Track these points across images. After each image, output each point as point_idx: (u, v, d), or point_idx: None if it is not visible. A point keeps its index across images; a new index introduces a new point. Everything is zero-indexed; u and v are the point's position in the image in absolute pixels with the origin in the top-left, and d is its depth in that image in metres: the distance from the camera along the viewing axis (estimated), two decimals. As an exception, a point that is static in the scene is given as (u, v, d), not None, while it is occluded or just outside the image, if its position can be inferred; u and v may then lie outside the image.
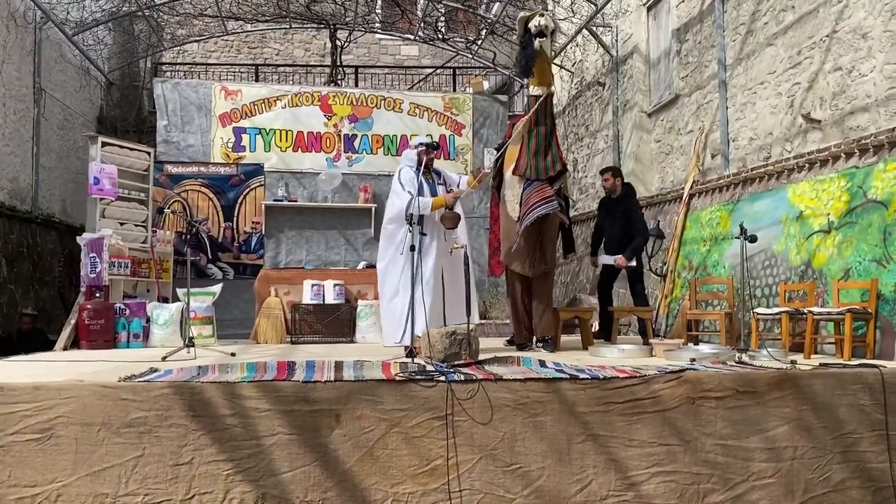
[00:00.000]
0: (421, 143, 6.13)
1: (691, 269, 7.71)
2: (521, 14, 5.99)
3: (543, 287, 6.20)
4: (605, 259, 7.09)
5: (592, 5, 9.59)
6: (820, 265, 5.79)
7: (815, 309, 5.29)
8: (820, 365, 4.41)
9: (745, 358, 4.73)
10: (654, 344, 5.78)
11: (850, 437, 3.97)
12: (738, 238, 5.30)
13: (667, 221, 8.60)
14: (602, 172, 7.34)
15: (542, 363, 4.61)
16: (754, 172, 7.02)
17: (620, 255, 6.85)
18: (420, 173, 5.89)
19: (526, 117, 6.05)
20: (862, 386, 4.04)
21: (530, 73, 5.94)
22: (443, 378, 3.86)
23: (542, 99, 5.87)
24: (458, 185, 6.28)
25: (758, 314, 5.70)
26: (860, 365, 4.33)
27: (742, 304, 5.77)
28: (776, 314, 5.51)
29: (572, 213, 11.32)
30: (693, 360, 4.69)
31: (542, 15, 5.70)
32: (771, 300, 6.27)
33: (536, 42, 5.69)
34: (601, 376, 4.01)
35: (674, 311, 7.88)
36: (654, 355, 5.50)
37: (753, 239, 5.32)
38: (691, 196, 8.14)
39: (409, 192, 5.87)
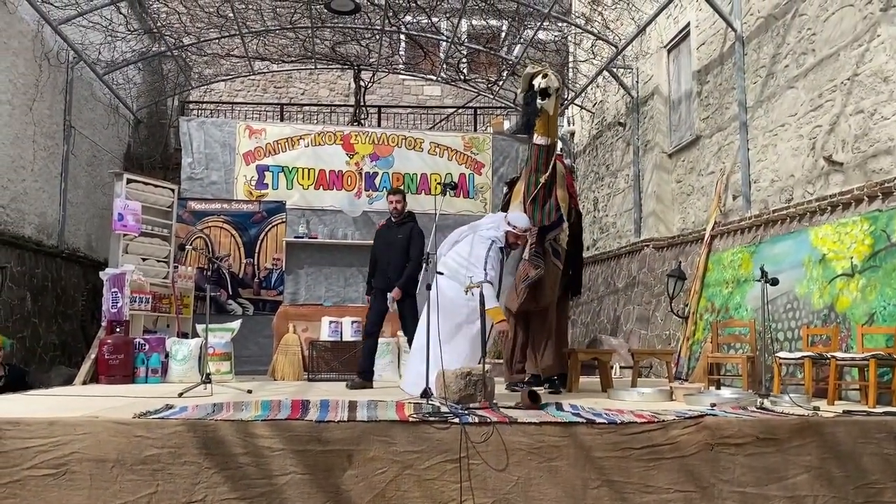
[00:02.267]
0: (515, 226, 5.73)
1: (714, 312, 7.62)
2: (527, 70, 6.04)
3: (539, 325, 6.14)
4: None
5: (613, 47, 9.67)
6: (843, 309, 5.69)
7: (839, 354, 5.19)
8: (843, 412, 4.31)
9: (766, 403, 4.65)
10: (675, 388, 5.70)
11: (874, 488, 3.85)
12: (759, 281, 5.25)
13: (688, 262, 8.53)
14: (394, 193, 6.78)
15: (559, 406, 4.55)
16: (776, 214, 6.96)
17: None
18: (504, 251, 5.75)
19: (528, 164, 6.15)
20: (886, 434, 3.93)
21: (531, 131, 6.03)
22: (457, 420, 3.83)
23: (544, 148, 5.93)
24: None
25: (780, 358, 5.60)
26: (885, 413, 4.23)
27: (763, 347, 5.68)
28: (799, 359, 5.41)
29: (593, 252, 11.37)
30: (713, 404, 4.62)
31: (545, 75, 5.71)
32: (793, 344, 6.17)
33: (538, 103, 5.74)
34: (618, 421, 3.95)
35: (696, 353, 7.77)
36: (674, 399, 5.43)
37: (775, 282, 5.27)
38: (713, 237, 8.09)
39: (488, 276, 5.39)
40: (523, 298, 6.00)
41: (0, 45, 7.51)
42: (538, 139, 5.98)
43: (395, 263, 6.57)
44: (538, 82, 5.68)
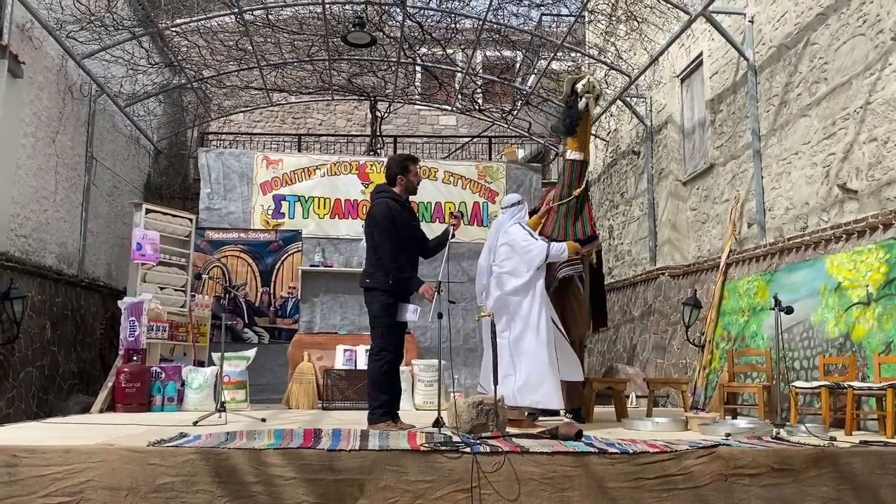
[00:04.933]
0: (519, 200, 6.00)
1: (730, 340, 7.57)
2: (569, 75, 6.14)
3: None
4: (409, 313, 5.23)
5: (626, 77, 9.74)
6: (859, 338, 5.64)
7: (856, 384, 5.13)
8: (860, 442, 4.26)
9: (782, 433, 4.61)
10: (690, 417, 5.65)
11: (893, 520, 3.80)
12: (773, 309, 5.23)
13: (704, 291, 8.49)
14: (415, 161, 5.52)
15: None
16: (791, 242, 6.94)
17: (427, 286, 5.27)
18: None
19: (560, 180, 6.17)
20: (904, 466, 3.89)
21: (574, 133, 6.04)
22: (468, 450, 3.82)
23: (577, 163, 5.99)
24: None
25: (796, 388, 5.55)
26: (902, 443, 4.18)
27: (779, 376, 5.63)
28: (815, 388, 5.36)
29: (608, 280, 11.32)
30: (728, 434, 4.59)
31: (591, 75, 5.85)
32: (810, 373, 6.11)
33: (582, 101, 5.82)
34: (631, 451, 3.93)
35: (712, 382, 7.70)
36: (688, 429, 5.38)
37: (789, 310, 5.24)
38: (728, 265, 8.06)
39: (536, 238, 5.76)
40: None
41: (25, 80, 7.70)
42: (572, 154, 6.04)
43: (414, 258, 5.42)
44: (584, 83, 5.79)
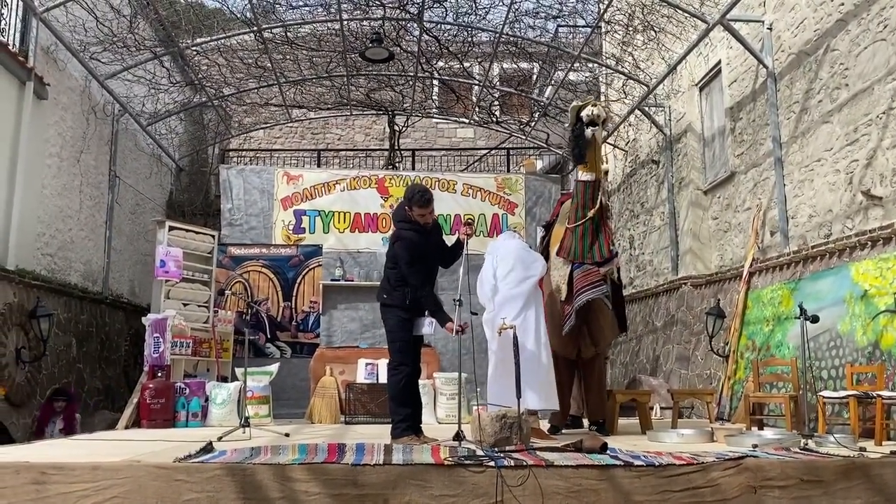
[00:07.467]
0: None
1: (754, 350, 7.48)
2: (574, 103, 6.13)
3: (592, 369, 6.14)
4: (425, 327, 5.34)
5: (644, 87, 9.72)
6: (888, 346, 5.55)
7: (885, 393, 5.05)
8: (891, 453, 4.18)
9: (810, 444, 4.54)
10: (716, 429, 5.59)
11: (927, 533, 3.72)
12: (798, 318, 5.16)
13: (727, 300, 8.41)
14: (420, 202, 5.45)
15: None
16: (815, 250, 6.86)
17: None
18: None
19: (574, 201, 6.13)
20: (937, 476, 3.81)
21: (583, 161, 6.03)
22: (492, 463, 3.81)
23: (590, 184, 5.96)
24: None
25: (824, 398, 5.47)
26: (935, 453, 4.10)
27: (806, 386, 5.55)
28: (843, 398, 5.28)
29: (630, 290, 11.26)
30: (755, 445, 4.53)
31: (594, 105, 5.82)
32: (838, 382, 6.03)
33: (588, 131, 5.80)
34: (657, 463, 3.89)
35: (738, 393, 7.61)
36: (714, 440, 5.32)
37: (815, 319, 5.17)
38: (751, 274, 7.98)
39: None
40: (583, 343, 6.00)
41: (50, 101, 7.84)
42: (583, 176, 6.01)
43: (434, 276, 5.57)
44: (587, 112, 5.78)
